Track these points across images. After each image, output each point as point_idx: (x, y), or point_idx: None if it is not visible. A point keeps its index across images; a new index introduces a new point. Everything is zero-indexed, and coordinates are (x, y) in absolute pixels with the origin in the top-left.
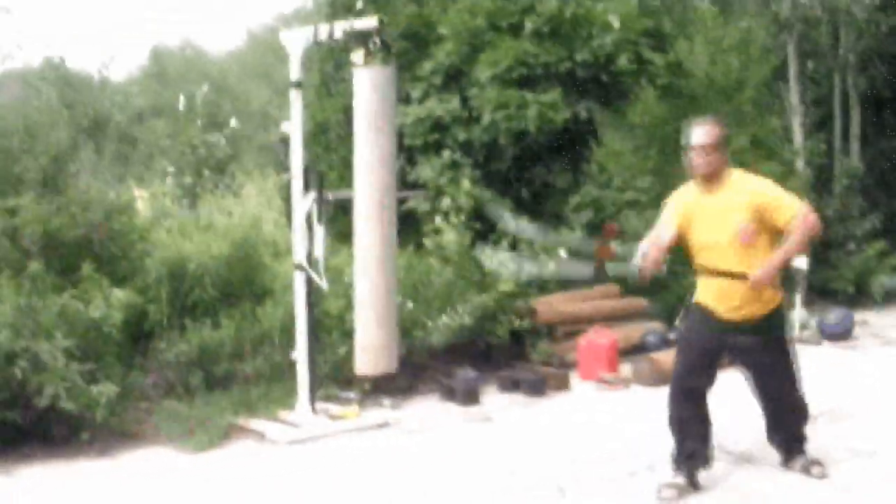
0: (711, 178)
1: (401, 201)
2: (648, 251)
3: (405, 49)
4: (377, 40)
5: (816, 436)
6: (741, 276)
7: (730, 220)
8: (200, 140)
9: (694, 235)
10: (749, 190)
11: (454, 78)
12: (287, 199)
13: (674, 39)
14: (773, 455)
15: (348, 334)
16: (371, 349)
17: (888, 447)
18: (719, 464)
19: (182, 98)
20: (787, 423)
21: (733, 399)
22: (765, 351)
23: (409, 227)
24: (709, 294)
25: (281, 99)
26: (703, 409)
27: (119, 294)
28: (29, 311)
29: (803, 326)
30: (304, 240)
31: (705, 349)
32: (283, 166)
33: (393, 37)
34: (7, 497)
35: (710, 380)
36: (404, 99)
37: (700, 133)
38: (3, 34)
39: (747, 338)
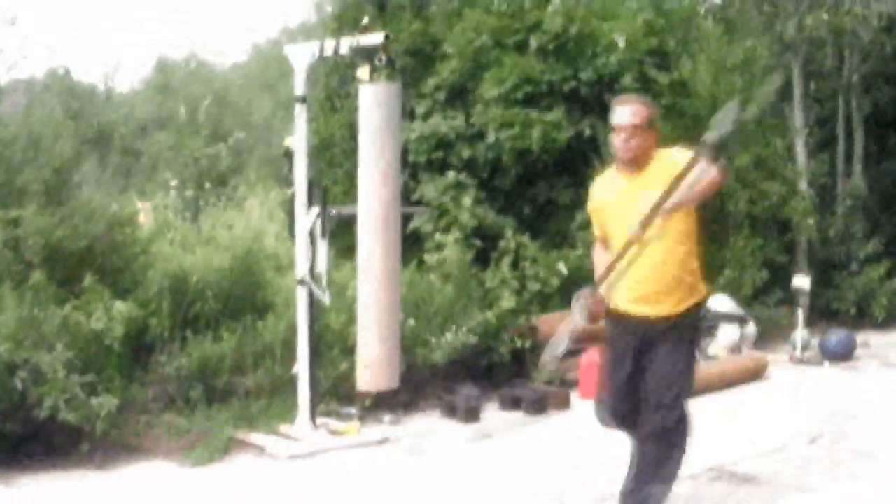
0: (636, 163)
1: (405, 218)
2: (589, 308)
3: (410, 65)
4: (383, 56)
5: (814, 455)
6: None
7: (648, 201)
8: (203, 152)
9: (611, 230)
10: (669, 163)
11: (459, 95)
12: (290, 213)
13: (678, 58)
14: (775, 474)
15: (350, 349)
16: (373, 365)
17: (883, 468)
18: (720, 483)
19: (182, 109)
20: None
21: (733, 419)
22: (663, 350)
23: (411, 244)
24: (622, 293)
25: (284, 112)
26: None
27: (120, 306)
28: (30, 322)
29: (805, 347)
30: (307, 254)
31: (629, 367)
32: (287, 180)
33: (398, 53)
34: None
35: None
36: (409, 115)
37: (626, 112)
38: (8, 44)
39: (657, 335)
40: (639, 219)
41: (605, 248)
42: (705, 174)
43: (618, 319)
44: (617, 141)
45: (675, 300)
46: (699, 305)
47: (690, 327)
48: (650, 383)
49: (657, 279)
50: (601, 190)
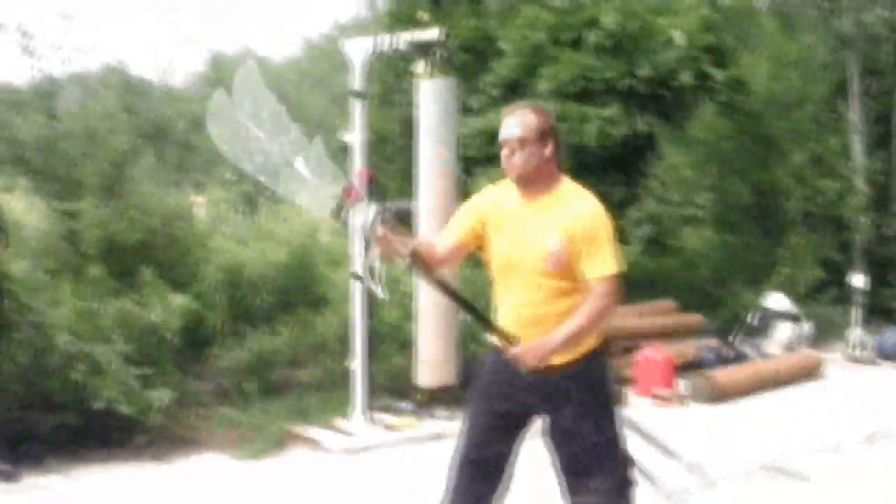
0: (530, 182)
1: None
2: (376, 244)
3: (465, 61)
4: (439, 52)
5: (868, 454)
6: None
7: (543, 237)
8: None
9: (494, 247)
10: (573, 209)
11: (513, 90)
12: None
13: (734, 54)
14: (829, 473)
15: (404, 344)
16: (431, 361)
17: None
18: (773, 482)
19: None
20: None
21: (787, 417)
22: (569, 415)
23: None
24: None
25: (337, 108)
26: (491, 489)
27: (177, 299)
28: (88, 314)
29: (860, 346)
30: (363, 249)
31: (497, 407)
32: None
33: (454, 49)
34: (64, 499)
35: (502, 448)
36: (463, 110)
37: (512, 123)
38: (64, 39)
39: (552, 393)
40: (530, 256)
41: (449, 248)
42: (591, 302)
43: (499, 355)
44: (502, 157)
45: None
46: (595, 352)
47: (590, 381)
48: (562, 463)
49: (533, 328)
50: (495, 198)
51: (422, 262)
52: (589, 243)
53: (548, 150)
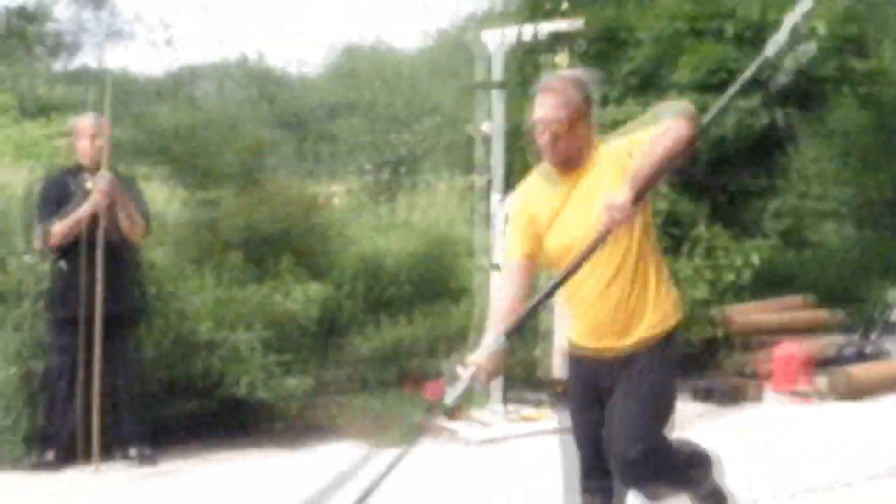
0: (571, 162)
1: None
2: (478, 373)
3: (601, 50)
4: (582, 42)
5: None
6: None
7: (594, 207)
8: (401, 137)
9: (548, 244)
10: (616, 152)
11: (651, 80)
12: (484, 199)
13: (877, 45)
14: None
15: (540, 336)
16: None
17: None
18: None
19: (380, 94)
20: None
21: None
22: (641, 382)
23: None
24: (578, 325)
25: (470, 98)
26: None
27: (316, 288)
28: (228, 302)
29: None
30: (502, 240)
31: (594, 416)
32: (483, 166)
33: (591, 39)
34: (202, 483)
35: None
36: (600, 101)
37: (554, 104)
38: (201, 29)
39: (623, 363)
40: (586, 230)
41: (520, 276)
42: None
43: (575, 357)
44: (541, 141)
45: (645, 326)
46: (675, 330)
47: (666, 350)
48: (616, 410)
49: (618, 313)
50: (537, 195)
51: (514, 334)
52: (642, 141)
53: (593, 126)
